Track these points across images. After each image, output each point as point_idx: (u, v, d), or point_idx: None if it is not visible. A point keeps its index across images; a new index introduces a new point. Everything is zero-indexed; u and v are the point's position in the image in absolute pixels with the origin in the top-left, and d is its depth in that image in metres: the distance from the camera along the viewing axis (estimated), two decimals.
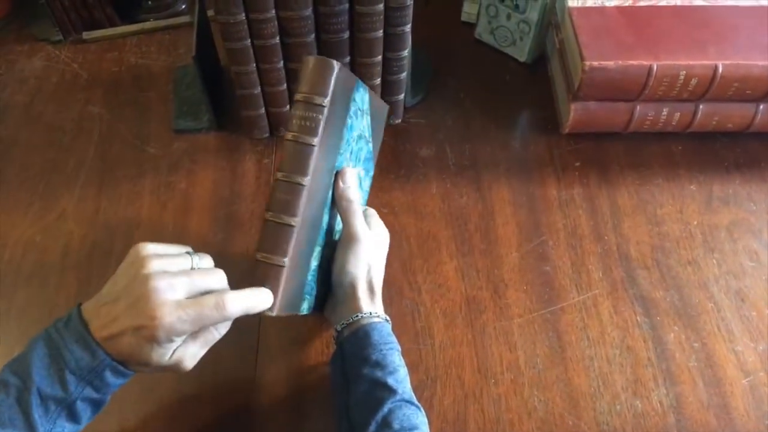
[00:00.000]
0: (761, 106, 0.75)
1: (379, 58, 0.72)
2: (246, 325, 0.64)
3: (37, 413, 0.43)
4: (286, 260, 0.50)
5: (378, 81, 0.74)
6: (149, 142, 0.80)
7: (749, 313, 0.66)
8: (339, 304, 0.57)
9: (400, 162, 0.78)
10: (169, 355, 0.45)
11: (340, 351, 0.55)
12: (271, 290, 0.50)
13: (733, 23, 0.75)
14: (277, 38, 0.68)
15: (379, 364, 0.52)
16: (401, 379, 0.52)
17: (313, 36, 0.68)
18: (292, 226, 0.49)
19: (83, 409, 0.45)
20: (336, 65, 0.50)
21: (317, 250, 0.55)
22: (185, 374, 0.48)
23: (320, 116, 0.49)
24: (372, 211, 0.63)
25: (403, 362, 0.54)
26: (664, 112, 0.76)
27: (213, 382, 0.62)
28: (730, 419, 0.60)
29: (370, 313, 0.55)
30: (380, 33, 0.69)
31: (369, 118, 0.55)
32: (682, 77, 0.71)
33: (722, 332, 0.65)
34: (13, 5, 0.96)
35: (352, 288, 0.56)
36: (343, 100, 0.53)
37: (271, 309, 0.50)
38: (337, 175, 0.55)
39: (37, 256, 0.70)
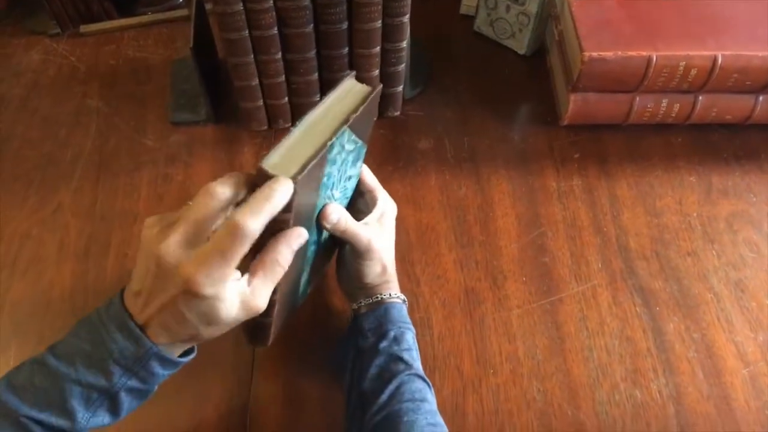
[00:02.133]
0: (761, 98, 0.75)
1: (378, 49, 0.71)
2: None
3: (75, 401, 0.42)
4: (272, 319, 0.50)
5: (376, 72, 0.74)
6: (146, 135, 0.80)
7: (749, 303, 0.66)
8: (357, 290, 0.58)
9: (398, 154, 0.78)
10: (233, 303, 0.41)
11: (357, 325, 0.56)
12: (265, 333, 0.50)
13: (733, 14, 0.75)
14: (275, 29, 0.67)
15: (397, 340, 0.54)
16: (415, 357, 0.54)
17: (311, 26, 0.68)
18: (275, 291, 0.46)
19: (126, 400, 0.44)
20: (292, 186, 0.41)
21: (306, 269, 0.54)
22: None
23: (288, 220, 0.43)
24: (373, 185, 0.58)
25: (416, 344, 0.56)
26: (664, 104, 0.76)
27: (207, 375, 0.61)
28: (729, 409, 0.60)
29: (390, 295, 0.57)
30: (379, 23, 0.68)
31: (352, 133, 0.48)
32: (681, 68, 0.71)
33: (722, 323, 0.65)
34: None
35: (371, 286, 0.57)
36: (315, 173, 0.46)
37: (263, 343, 0.51)
38: (319, 217, 0.50)
39: (34, 248, 0.70)
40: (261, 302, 0.43)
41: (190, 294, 0.40)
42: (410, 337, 0.55)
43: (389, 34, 0.70)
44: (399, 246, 0.69)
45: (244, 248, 0.40)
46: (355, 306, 0.57)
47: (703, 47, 0.71)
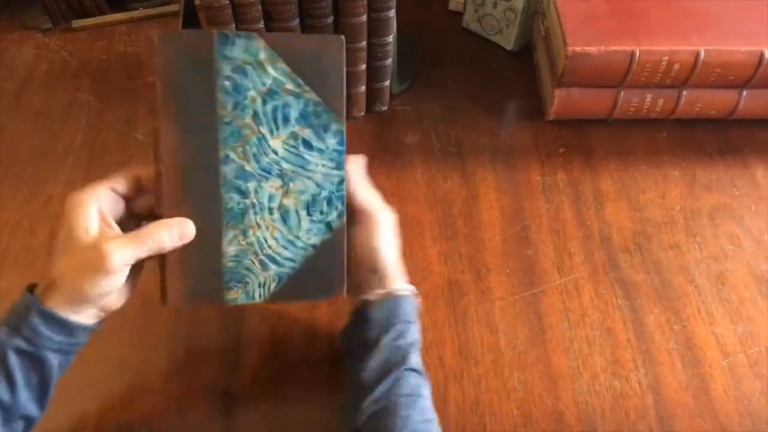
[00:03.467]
0: (744, 93, 0.76)
1: (364, 43, 0.72)
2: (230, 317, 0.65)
3: None
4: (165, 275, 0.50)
5: (363, 67, 0.75)
6: (137, 129, 0.81)
7: (729, 296, 0.67)
8: (371, 274, 0.56)
9: (385, 148, 0.78)
10: (76, 218, 0.45)
11: (365, 315, 0.54)
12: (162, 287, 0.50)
13: (716, 9, 0.76)
14: (262, 23, 0.68)
15: (402, 334, 0.54)
16: (416, 353, 0.54)
17: (297, 21, 0.69)
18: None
19: (17, 366, 0.45)
20: (157, 39, 0.46)
21: (230, 233, 0.51)
22: (164, 358, 0.48)
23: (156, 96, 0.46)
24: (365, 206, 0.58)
25: (419, 338, 0.55)
26: (648, 99, 0.76)
27: (194, 365, 0.62)
28: (708, 399, 0.60)
29: (401, 287, 0.56)
30: (364, 18, 0.69)
31: (284, 64, 0.47)
32: (664, 63, 0.72)
33: (702, 314, 0.66)
34: None
35: (385, 272, 0.56)
36: (193, 68, 0.48)
37: (163, 300, 0.50)
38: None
39: (24, 239, 0.71)
40: (114, 257, 0.44)
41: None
42: (414, 331, 0.55)
43: (375, 28, 0.71)
44: None
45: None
46: (364, 297, 0.55)
47: (686, 42, 0.72)
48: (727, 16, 0.75)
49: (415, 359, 0.53)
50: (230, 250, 0.51)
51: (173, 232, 0.48)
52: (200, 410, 0.60)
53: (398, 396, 0.50)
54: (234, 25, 0.68)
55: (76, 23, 0.92)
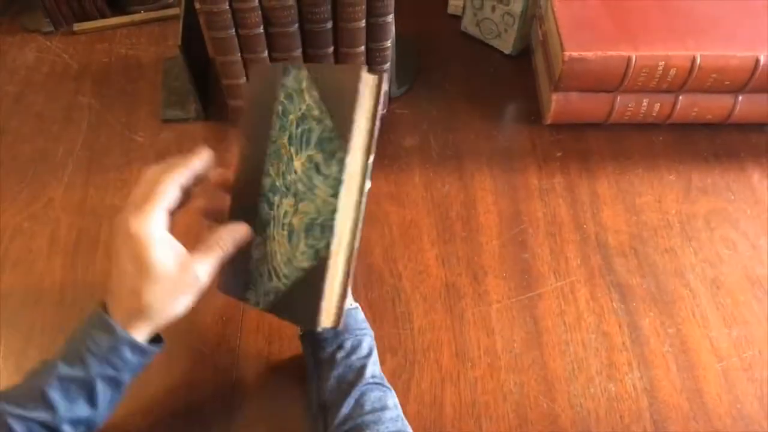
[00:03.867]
0: (740, 97, 0.76)
1: (363, 48, 0.73)
2: (227, 315, 0.66)
3: (55, 393, 0.44)
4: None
5: None
6: (137, 132, 0.81)
7: (724, 300, 0.67)
8: None
9: (384, 152, 0.79)
10: (153, 246, 0.45)
11: (312, 337, 0.55)
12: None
13: (712, 15, 0.76)
14: (261, 28, 0.69)
15: (354, 349, 0.54)
16: (372, 363, 0.54)
17: (296, 26, 0.69)
18: None
19: (101, 389, 0.46)
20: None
21: (257, 239, 0.53)
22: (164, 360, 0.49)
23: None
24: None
25: (374, 346, 0.56)
26: (645, 103, 0.77)
27: (191, 368, 0.63)
28: (702, 402, 0.61)
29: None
30: (363, 23, 0.70)
31: (316, 92, 0.49)
32: (661, 68, 0.72)
33: (697, 318, 0.66)
34: None
35: None
36: (266, 94, 0.53)
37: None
38: None
39: (25, 242, 0.71)
40: (201, 273, 0.47)
41: (118, 225, 0.45)
42: (367, 344, 0.55)
43: (373, 33, 0.71)
44: (382, 242, 0.71)
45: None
46: None
47: (683, 47, 0.72)
48: (723, 22, 0.75)
49: (372, 371, 0.53)
50: (255, 254, 0.54)
51: (238, 237, 0.50)
52: (201, 412, 0.61)
53: (363, 415, 0.50)
54: (234, 30, 0.68)
55: (77, 26, 0.93)
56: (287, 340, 0.64)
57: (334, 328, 0.49)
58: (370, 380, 0.52)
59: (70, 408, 0.45)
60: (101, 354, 0.45)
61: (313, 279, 0.48)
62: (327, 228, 0.49)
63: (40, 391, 0.44)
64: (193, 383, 0.62)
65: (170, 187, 0.46)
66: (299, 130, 0.50)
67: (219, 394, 0.61)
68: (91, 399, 0.46)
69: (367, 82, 0.46)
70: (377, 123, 0.47)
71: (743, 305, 0.67)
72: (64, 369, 0.45)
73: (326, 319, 0.48)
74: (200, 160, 0.49)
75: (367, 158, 0.48)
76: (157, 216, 0.45)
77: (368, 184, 0.48)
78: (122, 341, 0.46)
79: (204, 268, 0.47)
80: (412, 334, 0.65)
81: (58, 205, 0.74)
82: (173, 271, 0.45)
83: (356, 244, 0.49)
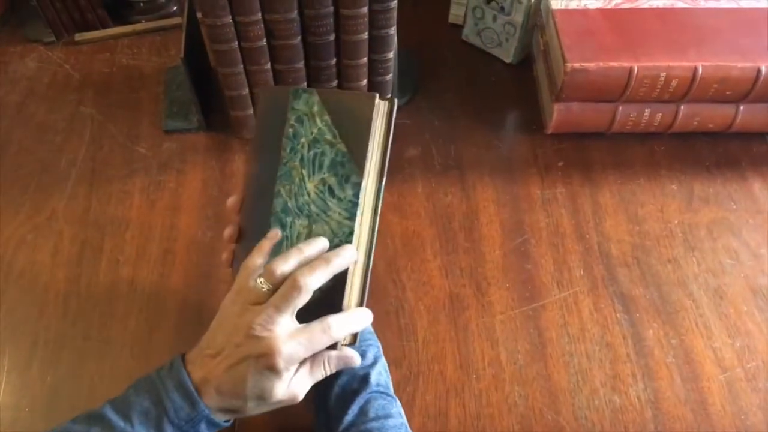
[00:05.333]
0: (741, 107, 0.77)
1: (365, 60, 0.73)
2: None
3: None
4: None
5: (365, 82, 0.76)
6: (139, 142, 0.81)
7: (727, 310, 0.68)
8: None
9: None
10: (286, 386, 0.45)
11: None
12: None
13: (713, 25, 0.76)
14: (264, 40, 0.69)
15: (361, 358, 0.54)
16: (378, 373, 0.54)
17: (299, 38, 0.70)
18: None
19: None
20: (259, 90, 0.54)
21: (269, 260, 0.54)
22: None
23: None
24: None
25: (383, 358, 0.56)
26: (646, 113, 0.77)
27: None
28: (706, 414, 0.61)
29: None
30: (365, 35, 0.70)
31: (328, 116, 0.51)
32: (662, 79, 0.73)
33: (700, 329, 0.66)
34: (6, 7, 0.97)
35: None
36: (275, 116, 0.53)
37: None
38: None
39: (28, 254, 0.71)
40: (300, 392, 0.46)
41: (265, 361, 0.43)
42: (372, 353, 0.55)
43: (376, 45, 0.72)
44: (385, 253, 0.71)
45: (323, 346, 0.46)
46: None
47: (684, 58, 0.72)
48: (724, 32, 0.75)
49: (377, 379, 0.54)
50: None
51: (345, 363, 0.50)
52: None
53: (366, 422, 0.51)
54: (237, 43, 0.68)
55: (79, 36, 0.93)
56: None
57: (351, 345, 0.50)
58: (375, 389, 0.53)
59: None
60: (179, 425, 0.45)
61: (330, 299, 0.49)
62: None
63: None
64: None
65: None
66: (311, 153, 0.52)
67: None
68: None
69: (379, 109, 0.49)
70: (389, 147, 0.50)
71: (746, 315, 0.67)
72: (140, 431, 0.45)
73: (344, 337, 0.50)
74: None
75: (381, 181, 0.50)
76: (298, 355, 0.45)
77: (380, 205, 0.50)
78: (202, 416, 0.45)
79: (305, 385, 0.47)
80: (416, 346, 0.65)
81: (61, 216, 0.74)
82: (281, 398, 0.46)
83: (370, 264, 0.50)
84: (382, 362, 0.56)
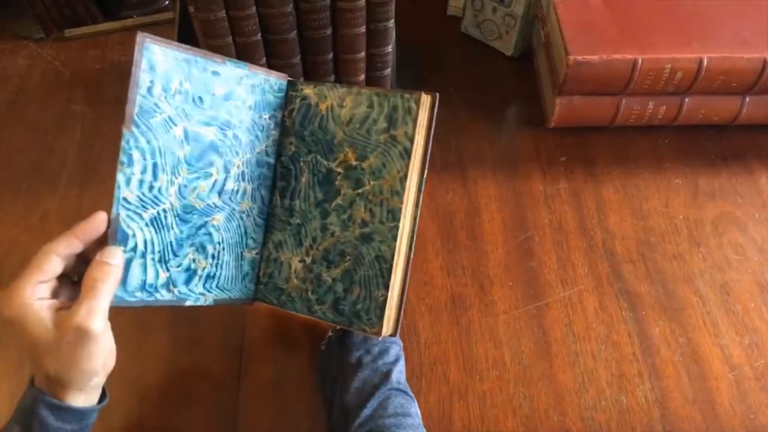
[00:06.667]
0: (747, 99, 0.75)
1: (363, 54, 0.71)
2: (231, 325, 0.64)
3: None
4: None
5: (362, 77, 0.74)
6: None
7: (734, 306, 0.66)
8: None
9: None
10: (30, 324, 0.42)
11: (342, 340, 0.56)
12: None
13: (718, 16, 0.75)
14: (259, 35, 0.67)
15: (381, 354, 0.54)
16: (399, 370, 0.54)
17: (295, 32, 0.68)
18: None
19: None
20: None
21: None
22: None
23: None
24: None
25: (402, 356, 0.56)
26: (650, 106, 0.75)
27: (199, 360, 0.63)
28: (714, 414, 0.60)
29: None
30: (363, 29, 0.68)
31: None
32: (667, 71, 0.71)
33: (707, 326, 0.65)
34: None
35: None
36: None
37: None
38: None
39: (20, 256, 0.70)
40: (84, 323, 0.42)
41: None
42: (395, 351, 0.55)
43: (374, 39, 0.70)
44: None
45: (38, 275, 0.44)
46: None
47: (689, 50, 0.71)
48: (729, 23, 0.74)
49: (398, 377, 0.54)
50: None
51: (107, 275, 0.45)
52: (203, 414, 0.60)
53: (384, 418, 0.50)
54: (231, 38, 0.66)
55: (69, 32, 0.90)
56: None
57: (393, 335, 0.53)
58: (396, 386, 0.52)
59: None
60: (23, 420, 0.43)
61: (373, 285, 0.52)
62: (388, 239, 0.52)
63: None
64: (203, 342, 0.63)
65: (43, 258, 0.44)
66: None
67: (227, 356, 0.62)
68: None
69: (424, 103, 0.51)
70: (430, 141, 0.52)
71: (754, 312, 0.66)
72: None
73: (387, 328, 0.52)
74: (88, 224, 0.47)
75: (423, 175, 0.53)
76: (23, 291, 0.43)
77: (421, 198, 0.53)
78: (37, 399, 0.43)
79: (86, 317, 0.42)
80: (418, 348, 0.63)
81: (53, 217, 0.73)
82: (53, 336, 0.42)
83: (411, 255, 0.53)
84: (403, 362, 0.56)
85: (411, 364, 0.62)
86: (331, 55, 0.71)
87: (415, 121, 0.50)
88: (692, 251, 0.70)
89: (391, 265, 0.51)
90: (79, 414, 0.44)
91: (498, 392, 0.61)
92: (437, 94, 0.51)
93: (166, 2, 0.94)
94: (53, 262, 0.44)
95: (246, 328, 0.64)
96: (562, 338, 0.64)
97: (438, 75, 0.86)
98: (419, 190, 0.52)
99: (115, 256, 0.46)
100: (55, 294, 0.45)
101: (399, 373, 0.54)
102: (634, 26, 0.73)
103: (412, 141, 0.50)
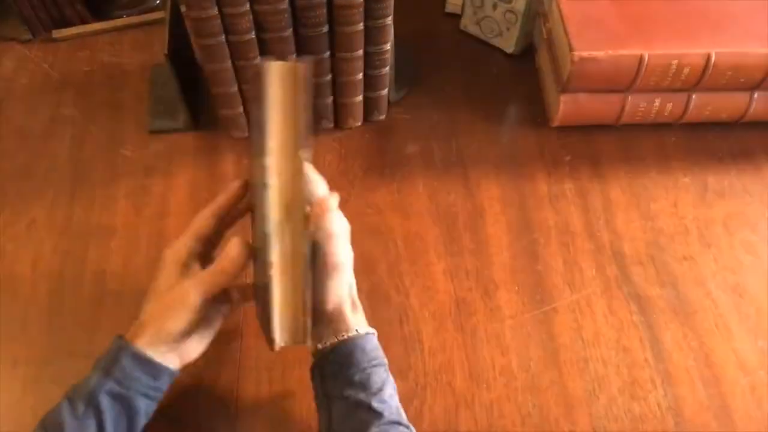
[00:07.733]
0: (755, 95, 0.73)
1: (360, 52, 0.69)
2: (226, 336, 0.62)
3: (66, 413, 0.45)
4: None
5: (360, 76, 0.72)
6: (124, 145, 0.77)
7: (748, 309, 0.64)
8: (321, 326, 0.51)
9: (384, 160, 0.75)
10: (163, 270, 0.50)
11: (320, 370, 0.51)
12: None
13: (726, 10, 0.73)
14: (253, 33, 0.65)
15: (363, 385, 0.48)
16: (387, 398, 0.49)
17: (290, 30, 0.65)
18: None
19: (108, 408, 0.46)
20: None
21: None
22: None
23: None
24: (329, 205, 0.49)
25: (390, 377, 0.51)
26: (656, 103, 0.74)
27: (197, 378, 0.59)
28: (730, 420, 0.58)
29: (356, 331, 0.51)
30: (360, 26, 0.66)
31: None
32: (674, 67, 0.69)
33: (720, 330, 0.63)
34: None
35: (338, 312, 0.51)
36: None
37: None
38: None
39: (7, 266, 0.67)
40: (190, 291, 0.48)
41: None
42: (378, 377, 0.49)
43: (372, 36, 0.68)
44: (387, 256, 0.67)
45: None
46: (319, 346, 0.51)
47: (696, 45, 0.69)
48: (737, 18, 0.72)
49: (388, 408, 0.48)
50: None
51: (229, 262, 0.49)
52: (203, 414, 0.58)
53: None
54: (224, 37, 0.64)
55: (57, 33, 0.88)
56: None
57: (303, 343, 0.46)
58: (385, 420, 0.47)
59: (78, 429, 0.45)
60: (104, 367, 0.47)
61: (265, 294, 0.45)
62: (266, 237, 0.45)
63: (55, 415, 0.46)
64: (199, 387, 0.60)
65: (199, 220, 0.53)
66: None
67: (221, 405, 0.59)
68: (99, 419, 0.45)
69: (276, 73, 0.45)
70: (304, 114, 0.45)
71: (767, 314, 0.64)
72: (73, 388, 0.47)
73: (284, 337, 0.45)
74: (229, 191, 0.54)
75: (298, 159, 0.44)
76: (179, 245, 0.51)
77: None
78: (122, 348, 0.47)
79: (196, 289, 0.48)
80: (422, 356, 0.61)
81: (41, 225, 0.70)
82: (165, 289, 0.49)
83: (306, 252, 0.45)
84: (391, 382, 0.50)
85: (414, 373, 0.60)
86: (327, 54, 0.69)
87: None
88: (703, 252, 0.68)
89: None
90: (155, 369, 0.48)
91: (506, 401, 0.59)
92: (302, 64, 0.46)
93: (157, 1, 0.92)
94: (208, 221, 0.53)
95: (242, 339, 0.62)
96: (570, 344, 0.62)
97: (437, 74, 0.84)
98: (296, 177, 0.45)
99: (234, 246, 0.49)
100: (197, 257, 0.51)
101: (387, 402, 0.49)
102: (639, 21, 0.71)
103: None
